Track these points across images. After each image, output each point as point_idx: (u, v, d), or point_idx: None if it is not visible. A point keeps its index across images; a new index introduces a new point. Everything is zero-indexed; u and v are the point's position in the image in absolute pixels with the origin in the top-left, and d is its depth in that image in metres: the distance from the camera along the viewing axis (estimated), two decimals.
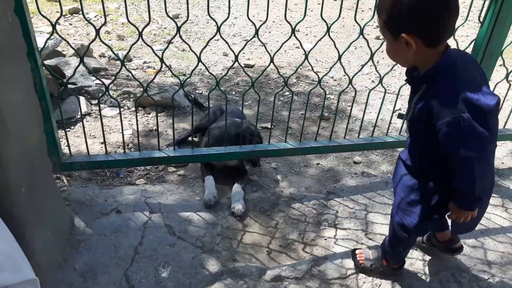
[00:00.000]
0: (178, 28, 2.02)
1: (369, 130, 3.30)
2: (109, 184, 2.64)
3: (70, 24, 5.90)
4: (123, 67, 2.11)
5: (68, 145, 2.32)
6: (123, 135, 2.41)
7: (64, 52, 4.59)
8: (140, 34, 2.00)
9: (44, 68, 1.99)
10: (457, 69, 1.37)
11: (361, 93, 4.16)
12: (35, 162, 1.87)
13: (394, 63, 2.18)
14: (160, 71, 4.45)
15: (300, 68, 4.69)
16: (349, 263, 2.14)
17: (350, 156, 3.10)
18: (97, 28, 1.92)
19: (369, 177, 2.81)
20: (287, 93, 4.09)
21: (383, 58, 4.99)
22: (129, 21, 2.00)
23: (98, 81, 3.94)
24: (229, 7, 2.05)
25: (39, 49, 1.92)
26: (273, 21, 6.30)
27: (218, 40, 5.56)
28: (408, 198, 1.71)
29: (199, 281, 2.02)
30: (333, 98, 4.04)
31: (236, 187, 2.55)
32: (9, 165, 1.62)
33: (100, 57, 4.86)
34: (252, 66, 4.72)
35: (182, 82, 2.23)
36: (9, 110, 1.60)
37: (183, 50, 5.16)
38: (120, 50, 5.03)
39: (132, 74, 2.23)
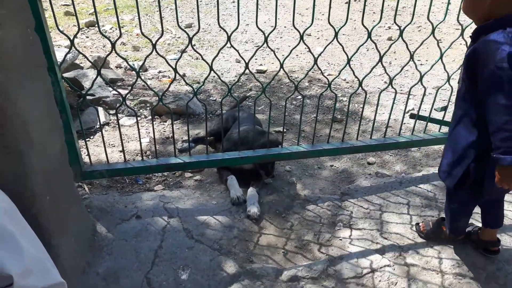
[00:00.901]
0: (190, 39, 2.09)
1: (382, 131, 3.31)
2: (128, 191, 2.72)
3: (87, 37, 6.07)
4: (138, 77, 2.18)
5: (89, 154, 2.41)
6: (140, 143, 2.49)
7: (82, 65, 4.73)
8: (154, 46, 2.08)
9: (63, 81, 2.09)
10: None
11: (374, 95, 4.18)
12: (57, 171, 1.96)
13: (405, 64, 2.22)
14: (175, 80, 4.57)
15: (312, 72, 4.75)
16: (365, 262, 2.17)
17: (363, 157, 3.12)
18: (112, 41, 1.99)
19: (383, 178, 2.83)
20: (299, 97, 4.14)
21: (395, 59, 5.01)
22: (142, 33, 2.09)
23: (115, 92, 4.06)
24: (238, 16, 2.12)
25: (58, 63, 2.02)
26: (285, 26, 6.36)
27: (230, 47, 5.64)
28: (451, 155, 1.83)
29: (217, 283, 2.08)
30: (346, 100, 4.07)
31: (251, 191, 2.61)
32: (34, 175, 1.71)
33: (117, 68, 4.99)
34: (264, 72, 4.78)
35: (195, 90, 2.30)
36: (32, 122, 1.69)
37: (197, 59, 5.26)
38: (135, 60, 5.16)
39: (147, 85, 2.32)
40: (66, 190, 2.09)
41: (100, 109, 3.63)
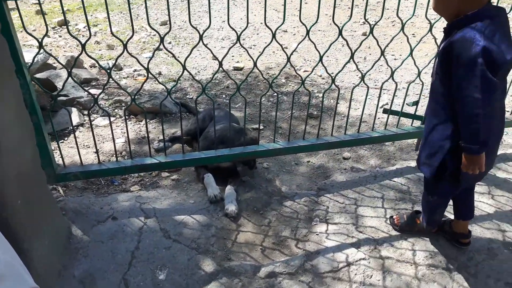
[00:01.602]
0: (162, 38, 2.07)
1: (357, 126, 3.36)
2: (104, 192, 2.70)
3: (60, 36, 5.95)
4: (110, 78, 2.15)
5: (62, 157, 2.37)
6: (114, 144, 2.47)
7: (54, 65, 4.64)
8: (125, 46, 2.06)
9: (33, 82, 2.05)
10: (488, 21, 1.55)
11: (349, 90, 4.22)
12: (29, 175, 1.93)
13: (378, 58, 2.25)
14: (150, 79, 4.52)
15: (288, 68, 4.78)
16: (341, 256, 2.20)
17: (339, 152, 3.17)
18: (82, 42, 1.96)
19: (358, 172, 2.88)
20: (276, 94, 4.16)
21: (370, 54, 5.08)
22: (112, 34, 2.06)
23: (90, 91, 4.00)
24: (210, 15, 2.11)
25: (28, 65, 1.98)
26: (261, 23, 6.36)
27: (207, 44, 5.62)
28: (428, 148, 1.88)
29: (195, 282, 2.09)
30: (321, 96, 4.10)
31: (229, 189, 2.61)
32: (4, 181, 1.68)
33: (91, 67, 4.91)
34: (241, 69, 4.78)
35: (169, 90, 2.29)
36: (1, 128, 1.66)
37: (173, 56, 5.21)
38: (110, 59, 5.09)
39: (119, 85, 2.29)
40: (39, 193, 2.06)
41: (74, 109, 3.57)
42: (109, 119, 2.34)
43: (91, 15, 6.85)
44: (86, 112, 3.64)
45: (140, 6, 7.19)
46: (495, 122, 1.74)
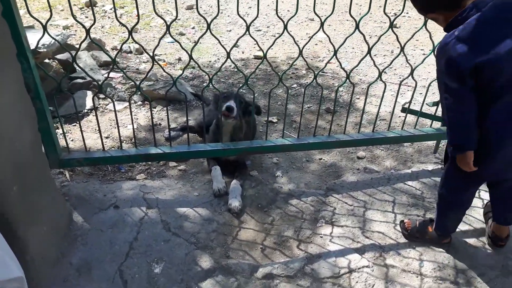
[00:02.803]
0: (168, 27, 2.00)
1: (376, 123, 3.22)
2: (109, 179, 2.68)
3: (86, 17, 5.97)
4: (114, 65, 2.11)
5: (66, 142, 2.36)
6: (119, 131, 2.44)
7: (76, 46, 4.67)
8: (130, 33, 2.00)
9: (55, 62, 2.01)
10: (467, 23, 1.50)
11: (372, 85, 4.06)
12: (28, 161, 1.91)
13: (397, 56, 2.12)
14: (170, 64, 4.48)
15: (311, 59, 4.64)
16: (343, 261, 2.11)
17: (354, 151, 3.04)
18: (108, 24, 1.91)
19: (371, 173, 2.75)
20: (294, 85, 4.04)
21: (397, 48, 4.85)
22: (118, 20, 2.00)
23: (106, 75, 3.99)
24: (218, 4, 2.02)
25: (46, 45, 1.94)
26: (288, 10, 6.19)
27: (230, 31, 5.53)
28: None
29: (190, 278, 2.04)
30: (342, 90, 3.95)
31: (235, 183, 2.55)
32: None
33: (113, 50, 4.91)
34: (262, 58, 4.67)
35: (174, 80, 2.23)
36: None
37: (195, 42, 5.15)
38: (132, 43, 5.07)
39: (124, 73, 2.25)
40: (38, 179, 2.04)
41: (89, 93, 3.57)
42: (114, 105, 2.29)
43: None
44: (101, 96, 3.64)
45: None
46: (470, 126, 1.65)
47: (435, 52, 1.64)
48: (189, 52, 2.11)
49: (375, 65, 2.41)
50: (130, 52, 4.78)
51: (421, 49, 4.83)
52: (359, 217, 2.38)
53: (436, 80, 1.66)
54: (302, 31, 5.43)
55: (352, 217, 2.37)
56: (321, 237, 2.26)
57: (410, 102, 2.57)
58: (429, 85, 2.54)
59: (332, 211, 2.42)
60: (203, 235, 2.26)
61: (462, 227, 2.22)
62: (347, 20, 5.69)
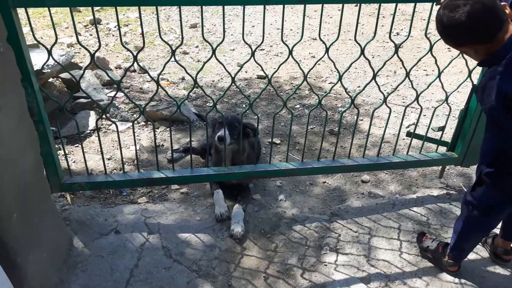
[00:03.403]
0: (173, 52, 1.99)
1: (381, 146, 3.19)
2: (111, 202, 2.65)
3: (91, 35, 6.01)
4: (118, 91, 2.10)
5: (68, 165, 2.34)
6: (121, 155, 2.41)
7: (81, 64, 4.68)
8: (135, 58, 2.00)
9: (59, 80, 2.00)
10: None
11: (374, 106, 4.04)
12: (29, 186, 1.89)
13: (402, 81, 2.11)
14: (173, 83, 4.48)
15: (313, 79, 4.64)
16: None
17: (358, 174, 3.00)
18: (112, 42, 1.91)
19: (375, 198, 2.71)
20: (297, 105, 4.03)
21: (400, 68, 4.85)
22: (122, 44, 2.00)
23: (110, 95, 3.99)
24: (224, 30, 2.02)
25: (50, 66, 1.94)
26: (291, 29, 6.24)
27: (233, 50, 5.55)
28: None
29: None
30: (345, 111, 3.94)
31: (237, 208, 2.51)
32: None
33: (117, 68, 4.92)
34: (264, 78, 4.67)
35: (178, 104, 2.21)
36: (0, 139, 1.62)
37: (198, 61, 5.17)
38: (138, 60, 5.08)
39: (127, 95, 2.23)
40: (39, 205, 2.02)
41: (93, 113, 3.56)
42: (117, 128, 2.28)
43: (123, 14, 6.90)
44: (104, 116, 3.62)
45: (172, 7, 7.19)
46: None
47: (477, 89, 1.65)
48: (194, 77, 2.09)
49: (380, 91, 2.39)
50: (134, 71, 4.79)
51: (424, 70, 4.83)
52: (364, 244, 2.33)
53: (486, 114, 1.64)
54: (305, 50, 5.44)
55: (357, 244, 2.33)
56: (326, 265, 2.22)
57: (415, 126, 2.55)
58: (435, 110, 2.52)
59: (337, 238, 2.38)
60: (205, 262, 2.22)
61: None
62: (350, 39, 5.71)
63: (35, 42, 2.02)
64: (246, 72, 4.83)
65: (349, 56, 5.19)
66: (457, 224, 2.03)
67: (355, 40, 2.15)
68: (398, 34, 5.98)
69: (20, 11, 1.84)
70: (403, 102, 4.09)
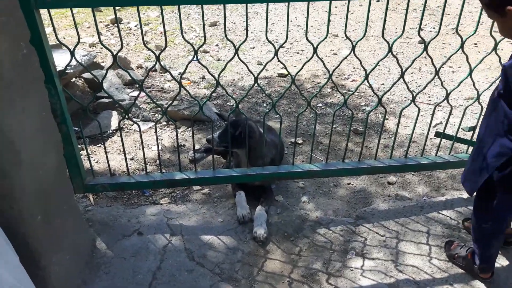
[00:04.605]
0: (196, 52, 1.95)
1: (406, 146, 3.09)
2: (133, 203, 2.64)
3: (112, 34, 6.05)
4: (141, 91, 2.07)
5: (91, 166, 2.33)
6: (144, 156, 2.39)
7: (103, 64, 4.71)
8: (158, 58, 1.97)
9: (81, 80, 1.99)
10: None
11: (400, 104, 3.94)
12: (52, 187, 1.88)
13: (432, 79, 2.04)
14: (194, 83, 4.46)
15: (336, 77, 4.55)
16: None
17: (384, 175, 2.92)
18: (132, 42, 1.89)
19: (403, 201, 2.63)
20: (320, 104, 3.95)
21: (425, 65, 4.72)
22: (145, 45, 1.97)
23: (132, 94, 4.00)
24: (247, 28, 1.97)
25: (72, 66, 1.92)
26: (311, 26, 6.14)
27: (253, 48, 5.50)
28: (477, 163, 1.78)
29: None
30: (369, 109, 3.84)
31: (259, 209, 2.47)
32: (22, 197, 1.63)
33: (138, 68, 4.94)
34: (285, 76, 4.60)
35: (201, 105, 2.17)
36: (22, 141, 1.61)
37: (218, 60, 5.14)
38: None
39: (149, 96, 2.21)
40: (62, 206, 2.01)
41: (115, 113, 3.57)
42: (139, 128, 2.26)
43: (144, 13, 6.92)
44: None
45: (191, 6, 7.18)
46: None
47: (508, 69, 1.52)
48: (217, 77, 2.04)
49: (409, 89, 2.31)
50: (155, 70, 4.79)
51: (450, 67, 4.69)
52: (391, 249, 2.26)
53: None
54: (326, 47, 5.35)
55: (384, 249, 2.26)
56: (352, 270, 2.16)
57: (445, 126, 2.45)
58: (465, 109, 2.42)
59: (363, 242, 2.31)
60: (228, 266, 2.18)
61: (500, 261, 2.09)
62: (372, 36, 5.59)
63: (58, 43, 2.00)
64: (266, 70, 4.77)
65: (371, 53, 5.07)
66: (478, 236, 1.97)
67: (383, 37, 2.07)
68: (422, 29, 5.83)
69: (43, 12, 1.83)
70: (429, 100, 3.97)
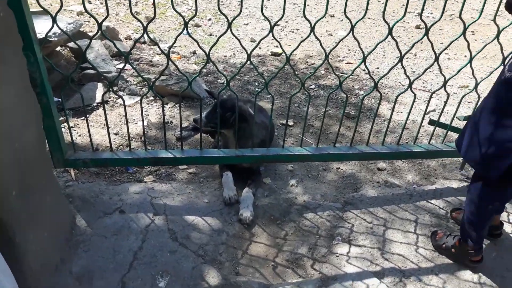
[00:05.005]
0: (186, 24, 1.85)
1: (398, 133, 3.04)
2: (116, 180, 2.56)
3: (101, 3, 5.82)
4: (127, 63, 1.97)
5: (72, 140, 2.24)
6: (128, 133, 2.30)
7: (90, 33, 4.53)
8: (145, 29, 1.86)
9: (67, 49, 1.88)
10: None
11: (394, 90, 3.88)
12: (30, 161, 1.79)
13: (430, 65, 1.98)
14: (184, 58, 4.33)
15: (330, 58, 4.44)
16: (361, 286, 1.97)
17: (374, 161, 2.87)
18: (122, 12, 1.77)
19: (392, 188, 2.59)
20: (313, 86, 3.87)
21: (421, 50, 4.64)
22: (133, 15, 1.85)
23: (119, 66, 3.86)
24: (242, 2, 1.86)
25: (57, 34, 1.81)
26: (308, 5, 5.99)
27: (247, 24, 5.36)
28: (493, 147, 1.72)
29: None
30: (363, 93, 3.78)
31: (246, 191, 2.41)
32: None
33: (126, 39, 4.77)
34: (279, 55, 4.49)
35: (190, 81, 2.08)
36: None
37: (211, 35, 4.99)
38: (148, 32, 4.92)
39: (136, 70, 2.11)
40: (41, 181, 1.92)
41: (100, 85, 3.44)
42: (124, 103, 2.15)
43: None
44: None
45: None
46: None
47: None
48: (207, 53, 1.95)
49: (406, 75, 2.23)
50: (144, 42, 4.63)
51: (446, 54, 4.61)
52: (378, 236, 2.23)
53: None
54: (321, 27, 5.22)
55: (371, 236, 2.23)
56: (337, 256, 2.12)
57: (440, 114, 2.39)
58: (462, 97, 2.36)
59: (350, 228, 2.27)
60: (212, 247, 2.13)
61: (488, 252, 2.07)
62: (369, 18, 5.47)
63: (40, 10, 1.88)
64: (260, 48, 4.65)
65: (367, 35, 4.97)
66: (472, 223, 1.94)
67: (384, 19, 1.99)
68: (418, 14, 5.73)
69: None
70: (423, 87, 3.91)
